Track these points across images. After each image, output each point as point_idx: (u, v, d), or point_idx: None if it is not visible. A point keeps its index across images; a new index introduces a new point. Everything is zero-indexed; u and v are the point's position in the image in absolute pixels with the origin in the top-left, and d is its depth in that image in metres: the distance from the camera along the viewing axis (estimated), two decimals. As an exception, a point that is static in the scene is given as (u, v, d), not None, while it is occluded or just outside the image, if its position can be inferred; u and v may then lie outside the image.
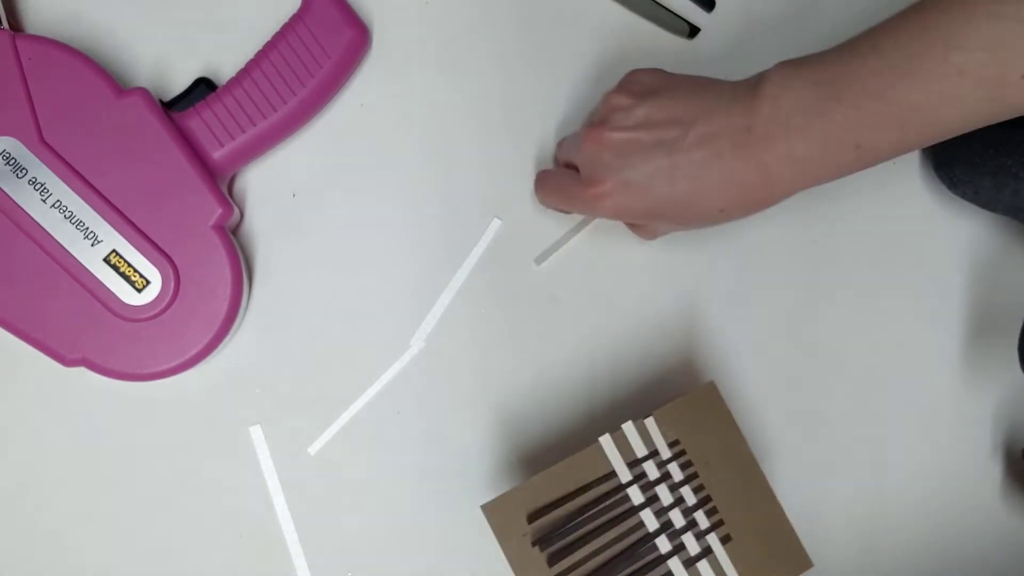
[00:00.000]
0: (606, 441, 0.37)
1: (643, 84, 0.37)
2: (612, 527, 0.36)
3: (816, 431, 0.45)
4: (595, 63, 0.44)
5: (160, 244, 0.39)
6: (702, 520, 0.37)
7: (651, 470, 0.37)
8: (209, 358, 0.40)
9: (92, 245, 0.38)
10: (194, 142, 0.40)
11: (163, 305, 0.39)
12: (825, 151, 0.32)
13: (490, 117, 0.44)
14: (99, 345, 0.39)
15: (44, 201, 0.38)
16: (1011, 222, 0.46)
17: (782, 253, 0.45)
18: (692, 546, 0.37)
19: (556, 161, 0.43)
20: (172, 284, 0.39)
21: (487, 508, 0.36)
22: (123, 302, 0.39)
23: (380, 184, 0.43)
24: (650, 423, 0.37)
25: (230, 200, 0.40)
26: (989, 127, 0.33)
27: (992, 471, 0.45)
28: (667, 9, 0.44)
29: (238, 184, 0.43)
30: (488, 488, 0.43)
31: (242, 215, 0.43)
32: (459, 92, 0.44)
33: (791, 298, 0.45)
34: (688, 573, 0.36)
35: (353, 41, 0.41)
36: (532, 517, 0.36)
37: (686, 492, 0.37)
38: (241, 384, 0.42)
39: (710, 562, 0.37)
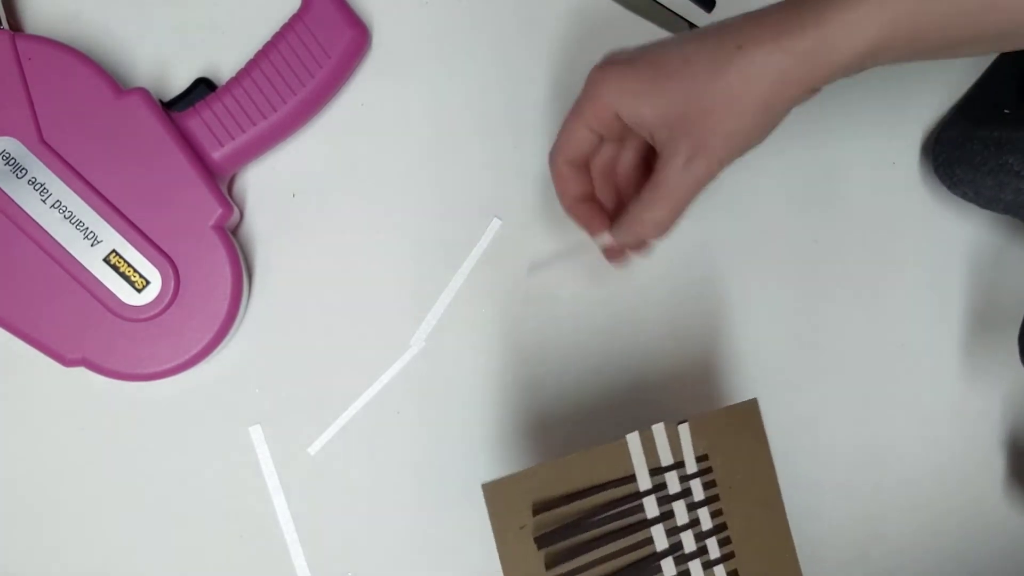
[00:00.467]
0: (633, 440, 0.34)
1: (627, 50, 0.35)
2: (619, 538, 0.33)
3: (816, 430, 0.45)
4: (594, 63, 0.44)
5: (160, 244, 0.39)
6: (713, 549, 0.34)
7: (672, 482, 0.34)
8: (209, 358, 0.40)
9: (92, 245, 0.38)
10: (194, 142, 0.40)
11: (163, 305, 0.39)
12: None
13: (490, 117, 0.44)
14: (99, 345, 0.39)
15: (44, 201, 0.38)
16: (1011, 221, 0.46)
17: (782, 252, 0.45)
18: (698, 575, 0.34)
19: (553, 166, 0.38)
20: (172, 284, 0.39)
21: (488, 488, 0.32)
22: (123, 302, 0.39)
23: (380, 184, 0.43)
24: (683, 430, 0.34)
25: (230, 200, 0.40)
26: (989, 129, 0.33)
27: (994, 468, 0.45)
28: (667, 9, 0.44)
29: (238, 184, 0.43)
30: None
31: (242, 215, 0.43)
32: (459, 92, 0.44)
33: (791, 297, 0.45)
34: None
35: (353, 41, 0.41)
36: (537, 509, 0.32)
37: (703, 515, 0.35)
38: (241, 384, 0.42)
39: None
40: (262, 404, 0.43)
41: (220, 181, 0.41)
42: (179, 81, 0.42)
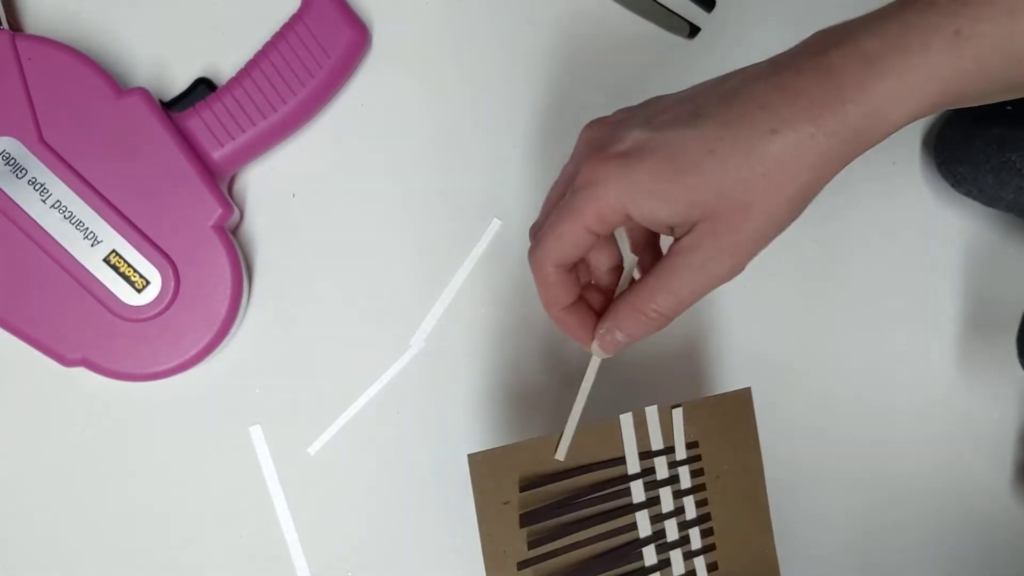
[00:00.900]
0: (626, 420, 0.33)
1: (617, 125, 0.30)
2: (603, 521, 0.33)
3: (816, 429, 0.44)
4: (595, 63, 0.44)
5: (160, 244, 0.39)
6: (695, 539, 0.34)
7: (661, 468, 0.34)
8: (209, 358, 0.40)
9: (92, 245, 0.38)
10: (194, 142, 0.40)
11: (163, 305, 0.39)
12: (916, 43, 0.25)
13: (490, 117, 0.44)
14: (99, 345, 0.39)
15: (44, 201, 0.38)
16: (1014, 219, 0.45)
17: (783, 252, 0.45)
18: (678, 566, 0.34)
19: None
20: (172, 284, 0.39)
21: (474, 459, 0.31)
22: (123, 302, 0.39)
23: (380, 184, 0.43)
24: (677, 414, 0.34)
25: (230, 200, 0.40)
26: (991, 126, 0.32)
27: (995, 468, 0.45)
28: (667, 9, 0.43)
29: (238, 184, 0.43)
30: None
31: (242, 215, 0.43)
32: (459, 92, 0.44)
33: (792, 297, 0.45)
34: None
35: (353, 41, 0.41)
36: (524, 486, 0.31)
37: (688, 503, 0.35)
38: (241, 384, 0.42)
39: None
40: (262, 404, 0.42)
41: (220, 181, 0.41)
42: (179, 81, 0.42)
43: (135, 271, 0.39)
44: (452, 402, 0.43)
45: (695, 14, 0.44)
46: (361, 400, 0.43)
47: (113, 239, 0.38)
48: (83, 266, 0.38)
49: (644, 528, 0.34)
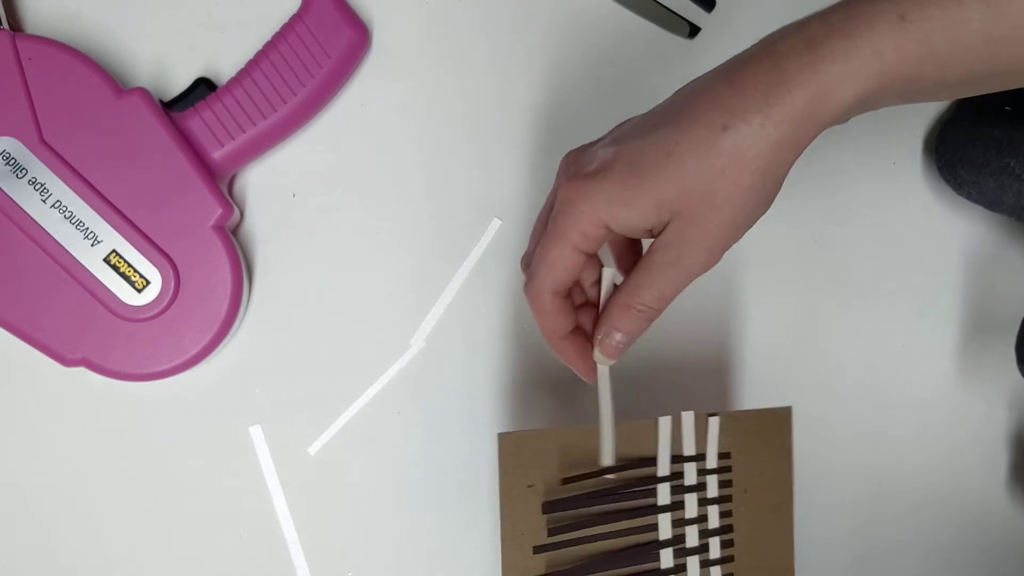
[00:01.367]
0: (664, 423, 0.33)
1: (585, 152, 0.31)
2: (625, 518, 0.33)
3: (816, 430, 0.44)
4: (595, 63, 0.44)
5: (160, 244, 0.39)
6: (715, 548, 0.34)
7: (690, 474, 0.34)
8: (209, 358, 0.40)
9: (92, 245, 0.38)
10: (194, 142, 0.40)
11: (163, 305, 0.39)
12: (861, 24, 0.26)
13: (490, 117, 0.44)
14: (99, 345, 0.39)
15: (44, 201, 0.38)
16: (1015, 223, 0.45)
17: (783, 252, 0.45)
18: (694, 572, 0.34)
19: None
20: (172, 284, 0.39)
21: (504, 439, 0.31)
22: (123, 302, 0.39)
23: (380, 184, 0.43)
24: (713, 423, 0.34)
25: (230, 200, 0.40)
26: (992, 128, 0.32)
27: (995, 468, 0.45)
28: (667, 9, 0.43)
29: (238, 184, 0.43)
30: (488, 488, 0.43)
31: (242, 215, 0.43)
32: (459, 92, 0.44)
33: (792, 297, 0.45)
34: None
35: (353, 41, 0.41)
36: (548, 469, 0.32)
37: (712, 512, 0.34)
38: (241, 384, 0.42)
39: None
40: (262, 404, 0.43)
41: (220, 181, 0.41)
42: (179, 81, 0.42)
43: (135, 271, 0.39)
44: (452, 402, 0.43)
45: (695, 14, 0.44)
46: (361, 400, 0.43)
47: (113, 239, 0.38)
48: (83, 266, 0.38)
49: (665, 531, 0.34)
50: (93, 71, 0.38)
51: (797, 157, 0.28)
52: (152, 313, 0.39)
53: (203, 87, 0.40)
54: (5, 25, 0.40)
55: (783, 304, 0.45)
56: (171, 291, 0.39)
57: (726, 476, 0.35)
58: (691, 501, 0.34)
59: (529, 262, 0.32)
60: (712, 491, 0.35)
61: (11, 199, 0.38)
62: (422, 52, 0.44)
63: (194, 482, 0.42)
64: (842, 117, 0.27)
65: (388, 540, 0.42)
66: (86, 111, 0.38)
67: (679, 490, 0.34)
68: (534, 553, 0.32)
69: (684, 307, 0.44)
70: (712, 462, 0.34)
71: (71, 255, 0.38)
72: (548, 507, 0.32)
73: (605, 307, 0.32)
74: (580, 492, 0.32)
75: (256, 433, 0.42)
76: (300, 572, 0.42)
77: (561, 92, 0.44)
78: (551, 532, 0.32)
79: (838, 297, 0.45)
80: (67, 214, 0.38)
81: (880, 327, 0.45)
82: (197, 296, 0.39)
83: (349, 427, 0.43)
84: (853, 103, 0.26)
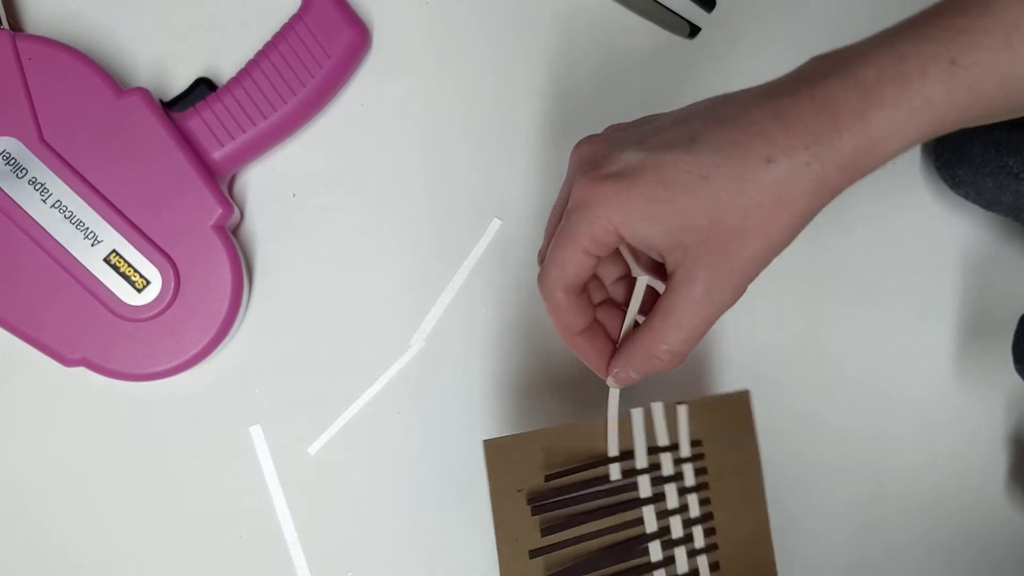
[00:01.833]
0: (636, 415, 0.34)
1: (610, 128, 0.30)
2: (611, 514, 0.33)
3: (816, 430, 0.44)
4: (595, 63, 0.44)
5: (160, 244, 0.39)
6: (698, 538, 0.35)
7: (667, 464, 0.34)
8: (209, 358, 0.40)
9: (92, 245, 0.38)
10: (194, 142, 0.40)
11: (163, 305, 0.39)
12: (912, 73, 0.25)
13: (490, 117, 0.44)
14: (99, 345, 0.39)
15: (44, 201, 0.38)
16: (1013, 223, 0.45)
17: (783, 252, 0.45)
18: (682, 563, 0.34)
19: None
20: (172, 284, 0.39)
21: (489, 445, 0.31)
22: (123, 302, 0.39)
23: (380, 184, 0.43)
24: (681, 411, 0.34)
25: (230, 200, 0.40)
26: (990, 128, 0.32)
27: (995, 468, 0.45)
28: (667, 9, 0.43)
29: (238, 184, 0.43)
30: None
31: (242, 215, 0.43)
32: (459, 92, 0.44)
33: (791, 297, 0.45)
34: None
35: (353, 41, 0.41)
36: (536, 473, 0.32)
37: (692, 501, 0.35)
38: (241, 384, 0.42)
39: None
40: (262, 404, 0.43)
41: (220, 181, 0.41)
42: (179, 81, 0.42)
43: (135, 271, 0.39)
44: (452, 402, 0.43)
45: (695, 14, 0.44)
46: (361, 400, 0.43)
47: (113, 239, 0.38)
48: (83, 266, 0.38)
49: (650, 523, 0.34)
50: (93, 71, 0.38)
51: (834, 198, 0.27)
52: (152, 313, 0.39)
53: (203, 87, 0.40)
54: (5, 25, 0.40)
55: (783, 304, 0.45)
56: (171, 291, 0.39)
57: (700, 463, 0.35)
58: (671, 491, 0.34)
59: (543, 257, 0.32)
60: (689, 479, 0.35)
61: (11, 199, 0.38)
62: (422, 52, 0.44)
63: (194, 482, 0.42)
64: (886, 162, 0.26)
65: (388, 540, 0.43)
66: (86, 111, 0.38)
67: (659, 481, 0.34)
68: (530, 558, 0.32)
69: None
70: (685, 451, 0.35)
71: (71, 255, 0.38)
72: (534, 504, 0.32)
73: (628, 343, 0.31)
74: (565, 485, 0.32)
75: (256, 433, 0.42)
76: (300, 572, 0.42)
77: (561, 92, 0.44)
78: (544, 532, 0.32)
79: (838, 297, 0.45)
80: (67, 214, 0.38)
81: (880, 327, 0.45)
82: (197, 296, 0.39)
83: (349, 427, 0.43)
84: (898, 152, 0.26)
